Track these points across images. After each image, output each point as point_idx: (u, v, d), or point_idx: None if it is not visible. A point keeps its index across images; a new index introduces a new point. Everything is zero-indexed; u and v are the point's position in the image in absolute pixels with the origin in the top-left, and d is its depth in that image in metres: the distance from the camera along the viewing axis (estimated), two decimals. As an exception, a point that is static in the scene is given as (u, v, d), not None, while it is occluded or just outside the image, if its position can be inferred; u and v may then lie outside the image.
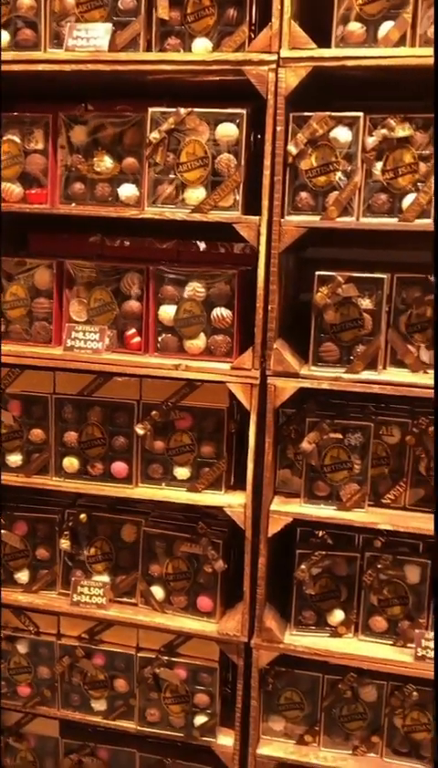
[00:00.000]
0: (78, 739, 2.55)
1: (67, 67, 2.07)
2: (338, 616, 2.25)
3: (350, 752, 2.30)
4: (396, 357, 2.11)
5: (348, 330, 2.06)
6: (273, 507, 2.17)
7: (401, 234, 2.06)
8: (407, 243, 2.36)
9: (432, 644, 2.14)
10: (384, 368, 2.12)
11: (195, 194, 2.07)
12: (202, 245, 2.35)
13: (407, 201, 1.96)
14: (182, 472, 2.27)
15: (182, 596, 2.33)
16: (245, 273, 2.15)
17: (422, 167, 1.95)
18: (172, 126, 2.05)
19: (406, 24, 1.88)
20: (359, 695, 2.27)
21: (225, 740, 2.35)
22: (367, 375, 2.06)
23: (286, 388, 2.09)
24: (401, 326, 2.11)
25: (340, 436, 2.15)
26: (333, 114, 1.96)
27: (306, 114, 1.97)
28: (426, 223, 1.95)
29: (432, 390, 2.01)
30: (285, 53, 1.92)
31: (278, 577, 2.34)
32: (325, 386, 2.08)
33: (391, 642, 2.22)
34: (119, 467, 2.28)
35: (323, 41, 1.95)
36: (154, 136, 2.06)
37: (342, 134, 1.97)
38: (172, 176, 2.08)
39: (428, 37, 1.89)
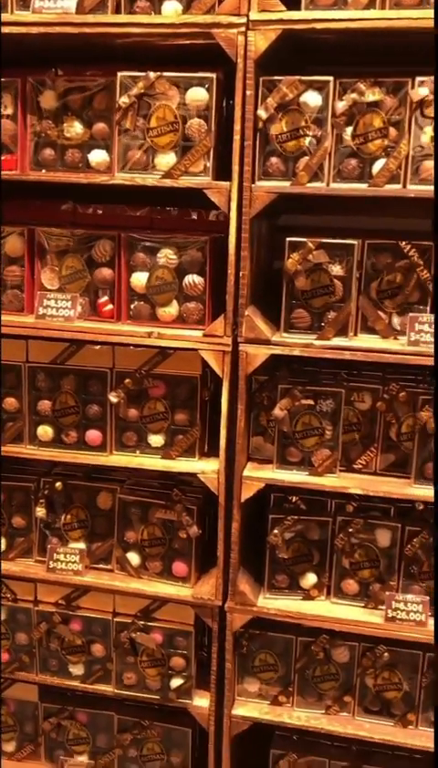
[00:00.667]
0: (57, 703, 2.59)
1: (34, 30, 2.04)
2: (310, 579, 2.28)
3: (323, 711, 2.35)
4: (367, 323, 2.13)
5: (318, 297, 2.07)
6: (246, 473, 2.20)
7: (375, 201, 2.07)
8: (381, 210, 2.38)
9: (403, 606, 2.18)
10: (355, 334, 2.13)
11: (166, 160, 2.06)
12: (175, 212, 2.33)
13: (377, 166, 1.96)
14: (156, 440, 2.28)
15: (157, 562, 2.36)
16: (218, 240, 2.15)
17: (392, 132, 1.94)
18: (142, 90, 2.03)
19: (376, -15, 1.87)
20: (332, 656, 2.32)
21: (201, 701, 2.40)
22: (338, 341, 2.08)
23: (258, 355, 2.10)
24: (372, 293, 2.12)
25: (312, 402, 2.16)
26: (303, 78, 1.95)
27: (276, 78, 1.96)
28: (396, 188, 1.96)
29: (403, 356, 2.03)
30: (254, 15, 1.91)
31: (253, 542, 2.38)
32: (296, 353, 2.09)
33: (362, 604, 2.26)
34: (93, 435, 2.29)
35: (293, 4, 1.93)
36: (124, 101, 2.04)
37: (312, 98, 1.96)
38: (142, 141, 2.07)
39: (398, 0, 1.88)
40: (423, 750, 2.27)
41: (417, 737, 2.28)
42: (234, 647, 2.32)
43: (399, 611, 2.18)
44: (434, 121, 1.90)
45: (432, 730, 2.29)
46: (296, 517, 2.25)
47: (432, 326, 2.01)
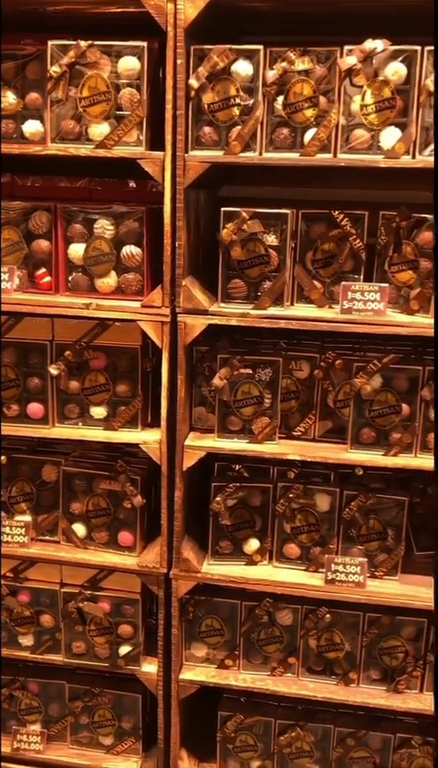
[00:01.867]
0: (8, 674, 2.61)
1: (-38, -3, 2.01)
2: (253, 544, 2.33)
3: (269, 673, 2.42)
4: (303, 293, 2.16)
5: (254, 266, 2.10)
6: (187, 442, 2.23)
7: (318, 172, 2.08)
8: (323, 182, 2.41)
9: (342, 568, 2.24)
10: (292, 303, 2.16)
11: (99, 130, 2.05)
12: (113, 183, 2.33)
13: (308, 135, 1.98)
14: (98, 412, 2.30)
15: (103, 532, 2.39)
16: (155, 210, 2.15)
17: (322, 101, 1.96)
18: (73, 59, 2.01)
19: None
20: (276, 619, 2.38)
21: (149, 667, 2.44)
22: (274, 311, 2.11)
23: (196, 325, 2.12)
24: (307, 262, 2.15)
25: (250, 371, 2.19)
26: (233, 47, 1.96)
27: (206, 47, 1.96)
28: (327, 157, 1.98)
29: (337, 324, 2.07)
30: (182, -17, 1.90)
31: (198, 511, 2.41)
32: (233, 322, 2.11)
33: (303, 568, 2.32)
34: (34, 408, 2.30)
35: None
36: (55, 70, 2.02)
37: (243, 67, 1.96)
38: (75, 111, 2.06)
39: (326, -32, 1.89)
40: (365, 706, 2.35)
41: (359, 694, 2.35)
42: (179, 613, 2.36)
43: (338, 573, 2.24)
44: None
45: (372, 687, 2.37)
46: (237, 484, 2.29)
47: (365, 293, 2.05)
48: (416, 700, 2.32)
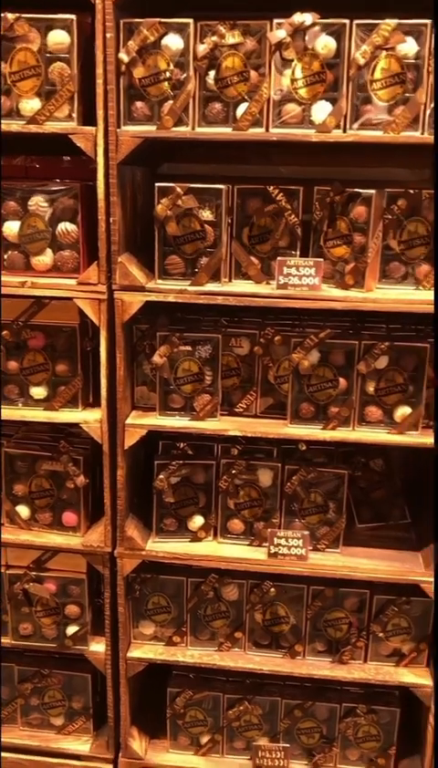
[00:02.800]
0: (-44, 658, 2.60)
1: None
2: (197, 521, 2.34)
3: (216, 648, 2.44)
4: (241, 268, 2.16)
5: (190, 242, 2.09)
6: (128, 421, 2.22)
7: (258, 147, 2.07)
8: (264, 158, 2.41)
9: (284, 541, 2.26)
10: (230, 279, 2.17)
11: (30, 105, 2.02)
12: (50, 160, 2.31)
13: (240, 109, 1.98)
14: (38, 392, 2.29)
15: (47, 513, 2.38)
16: (90, 187, 2.13)
17: (253, 75, 1.96)
18: (1, 33, 1.98)
19: None
20: (222, 595, 2.40)
21: (97, 647, 2.45)
22: (211, 287, 2.11)
23: (133, 302, 2.12)
24: (244, 238, 2.15)
25: (190, 349, 2.20)
26: (163, 20, 1.94)
27: (136, 20, 1.94)
28: (259, 132, 1.98)
29: (273, 299, 2.08)
30: None
31: (143, 489, 2.42)
32: (171, 299, 2.11)
33: (247, 543, 2.34)
34: (-27, 389, 2.28)
35: None
36: (-18, 43, 1.99)
37: (173, 41, 1.95)
38: (5, 86, 2.03)
39: None
40: (311, 678, 2.38)
41: (305, 666, 2.39)
42: (126, 591, 2.37)
43: (281, 547, 2.26)
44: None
45: (317, 659, 2.40)
46: (180, 462, 2.30)
47: (301, 269, 2.06)
48: (360, 670, 2.37)
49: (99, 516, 2.38)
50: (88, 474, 2.35)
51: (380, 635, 2.35)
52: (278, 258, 2.07)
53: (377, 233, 2.06)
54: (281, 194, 2.08)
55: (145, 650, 2.44)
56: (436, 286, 2.03)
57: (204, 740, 2.53)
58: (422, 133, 1.93)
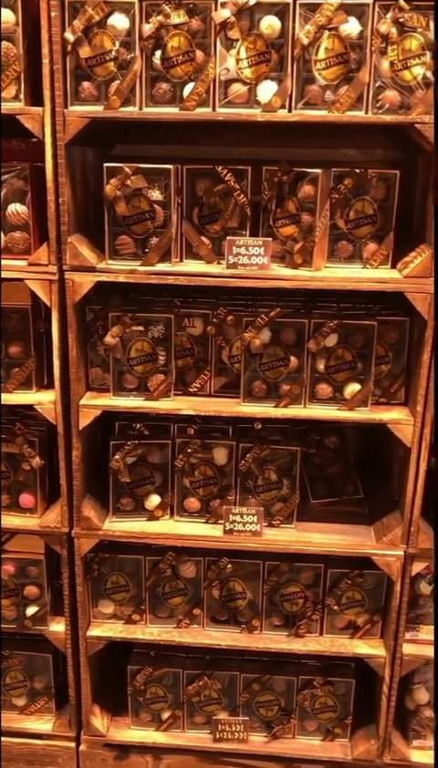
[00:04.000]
0: None
1: None
2: (154, 500, 2.37)
3: (175, 625, 2.47)
4: (192, 249, 2.18)
5: (140, 223, 2.10)
6: (82, 402, 2.24)
7: (205, 128, 2.08)
8: (216, 139, 2.42)
9: (239, 518, 2.30)
10: (181, 260, 2.18)
11: (-24, 85, 2.02)
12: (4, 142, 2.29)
13: (187, 89, 1.98)
14: (-9, 374, 2.29)
15: (3, 495, 2.39)
16: (39, 168, 2.12)
17: (199, 55, 1.97)
18: None
19: None
20: (179, 572, 2.43)
21: (58, 627, 2.47)
22: (162, 267, 2.12)
23: (84, 282, 2.12)
24: (194, 218, 2.17)
25: (142, 329, 2.21)
26: (108, 0, 1.94)
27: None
28: (206, 111, 1.99)
29: (223, 278, 2.10)
30: None
31: (101, 469, 2.43)
32: (121, 279, 2.12)
33: (203, 520, 2.37)
34: None
35: None
36: None
37: (119, 21, 1.95)
38: None
39: None
40: (268, 652, 2.43)
41: (262, 641, 2.43)
42: (84, 571, 2.39)
43: (236, 524, 2.29)
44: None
45: (274, 633, 2.45)
46: (136, 442, 2.32)
47: (250, 248, 2.08)
48: (316, 643, 2.42)
49: (57, 497, 2.39)
50: (45, 456, 2.36)
51: (335, 608, 2.40)
52: (228, 238, 2.09)
53: (324, 212, 2.09)
54: (230, 174, 2.10)
55: (105, 629, 2.47)
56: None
57: (165, 715, 2.57)
58: (367, 113, 1.95)
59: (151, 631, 2.46)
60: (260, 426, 2.30)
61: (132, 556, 2.42)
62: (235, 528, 2.29)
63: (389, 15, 1.90)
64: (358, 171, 2.08)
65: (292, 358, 2.20)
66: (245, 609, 2.45)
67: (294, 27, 1.92)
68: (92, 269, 2.11)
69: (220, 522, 2.32)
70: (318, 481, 2.51)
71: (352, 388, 2.19)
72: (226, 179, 2.10)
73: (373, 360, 2.18)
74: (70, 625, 2.44)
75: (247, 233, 2.15)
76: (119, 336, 2.20)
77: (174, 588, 2.44)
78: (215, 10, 1.93)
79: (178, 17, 1.94)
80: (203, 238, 2.17)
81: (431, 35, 1.91)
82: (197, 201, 2.15)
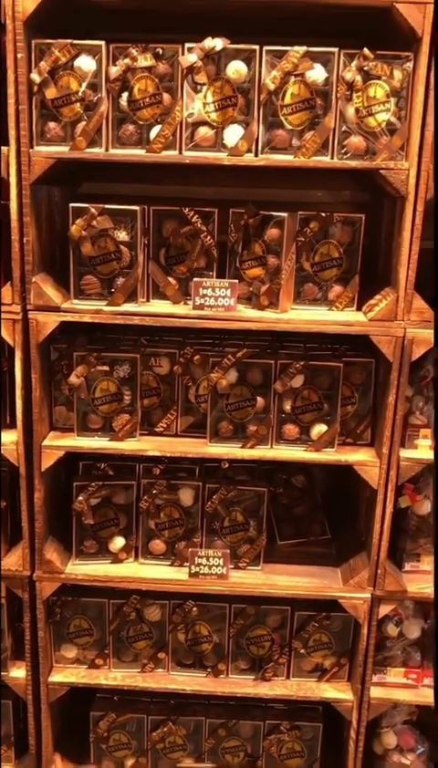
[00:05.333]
0: None
1: None
2: (118, 543, 2.33)
3: (139, 670, 2.42)
4: (158, 289, 2.17)
5: (106, 263, 2.09)
6: (45, 442, 2.20)
7: (170, 168, 2.07)
8: (184, 179, 2.42)
9: (205, 561, 2.26)
10: (147, 300, 2.17)
11: None
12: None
13: (153, 132, 1.98)
14: None
15: (-37, 538, 2.33)
16: (4, 206, 2.10)
17: (166, 98, 1.97)
18: None
19: None
20: (144, 616, 2.38)
21: (18, 672, 2.40)
22: (128, 307, 2.10)
23: (48, 322, 2.10)
24: (161, 258, 2.16)
25: (107, 368, 2.19)
26: (75, 42, 1.94)
27: (47, 41, 1.94)
28: (173, 154, 1.99)
29: (189, 320, 2.09)
30: (18, -26, 1.87)
31: (64, 510, 2.38)
32: (87, 319, 2.10)
33: (169, 563, 2.33)
34: None
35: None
36: None
37: (86, 63, 1.95)
38: None
39: (164, -35, 1.90)
40: (234, 696, 2.38)
41: (228, 685, 2.39)
42: (46, 615, 2.33)
43: (202, 566, 2.26)
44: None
45: (240, 677, 2.41)
46: (100, 483, 2.28)
47: (216, 290, 2.07)
48: (283, 687, 2.38)
49: (18, 539, 2.33)
50: (7, 497, 2.31)
51: (302, 651, 2.37)
52: (194, 279, 2.08)
53: (290, 254, 2.09)
54: (197, 216, 2.10)
55: (67, 674, 2.41)
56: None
57: (129, 763, 2.50)
58: (332, 158, 1.97)
59: (114, 676, 2.40)
60: (227, 465, 2.28)
61: (96, 600, 2.37)
62: (201, 571, 2.26)
63: (354, 64, 1.93)
64: (323, 214, 2.09)
65: (259, 399, 2.18)
66: (211, 653, 2.40)
67: (260, 73, 1.94)
68: (57, 309, 2.09)
69: (185, 564, 2.29)
70: (285, 521, 2.49)
71: (319, 429, 2.18)
72: (193, 220, 2.10)
73: (339, 401, 2.18)
74: (31, 670, 2.37)
75: (214, 273, 2.15)
76: (84, 375, 2.17)
77: (139, 632, 2.39)
78: (182, 54, 1.94)
79: (145, 61, 1.95)
80: (170, 278, 2.16)
81: (395, 83, 1.94)
82: (164, 241, 2.15)
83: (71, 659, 2.43)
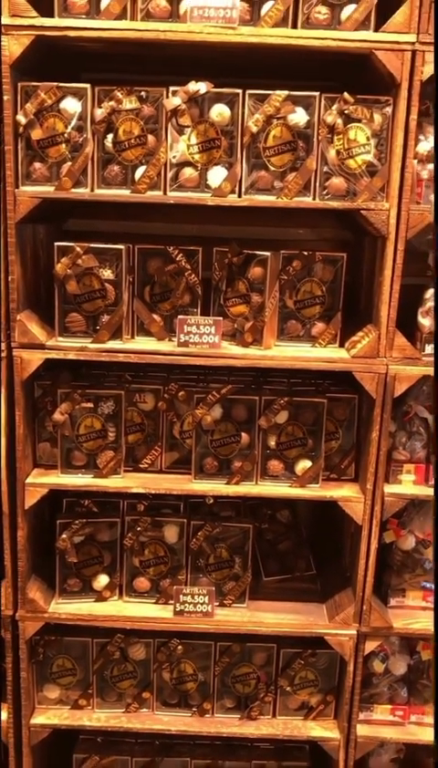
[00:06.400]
0: None
1: None
2: (102, 580, 2.31)
3: (123, 710, 2.38)
4: (143, 326, 2.18)
5: (90, 301, 2.10)
6: (28, 480, 2.18)
7: (154, 207, 2.10)
8: (163, 216, 2.44)
9: (190, 598, 2.25)
10: (132, 337, 2.18)
11: None
12: None
13: (139, 172, 2.01)
14: None
15: None
16: (-12, 245, 2.12)
17: (151, 139, 2.00)
18: None
19: (126, -3, 1.92)
20: (128, 655, 2.35)
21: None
22: (113, 344, 2.11)
23: (33, 360, 2.10)
24: (146, 296, 2.17)
25: (92, 405, 2.19)
26: (61, 85, 1.97)
27: (33, 84, 1.96)
28: (157, 195, 2.01)
29: (174, 356, 2.10)
30: (5, 20, 1.89)
31: (48, 548, 2.36)
32: (71, 356, 2.10)
33: (153, 601, 2.31)
34: None
35: (50, 11, 1.94)
36: None
37: (71, 105, 1.98)
38: None
39: (148, 11, 1.94)
40: (219, 736, 2.35)
41: (214, 725, 2.36)
42: (29, 655, 2.29)
43: (187, 604, 2.24)
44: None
45: (226, 716, 2.38)
46: (84, 520, 2.26)
47: (201, 327, 2.09)
48: (269, 726, 2.35)
49: (1, 578, 2.30)
50: (-10, 535, 2.28)
51: (288, 689, 2.35)
52: (179, 317, 2.09)
53: (273, 292, 2.11)
54: (181, 254, 2.12)
55: (49, 716, 2.36)
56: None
57: (113, 806, 2.45)
58: (314, 199, 2.00)
59: (98, 717, 2.37)
60: (212, 501, 2.28)
61: (80, 639, 2.34)
62: (186, 609, 2.24)
63: (334, 107, 1.97)
64: (306, 253, 2.12)
65: (243, 435, 2.19)
66: (197, 692, 2.37)
67: (243, 116, 1.97)
68: (41, 346, 2.09)
69: (170, 602, 2.27)
70: (271, 557, 2.48)
71: (303, 464, 2.19)
72: (178, 259, 2.12)
73: (323, 437, 2.19)
74: (13, 712, 2.33)
75: (198, 310, 2.16)
76: (68, 412, 2.17)
77: (123, 671, 2.36)
78: (167, 97, 1.97)
79: (130, 103, 1.98)
80: (155, 316, 2.17)
81: (375, 126, 1.98)
82: (149, 279, 2.16)
83: (54, 700, 2.39)
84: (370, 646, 2.25)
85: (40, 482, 2.18)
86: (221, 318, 2.10)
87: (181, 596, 2.24)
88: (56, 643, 2.34)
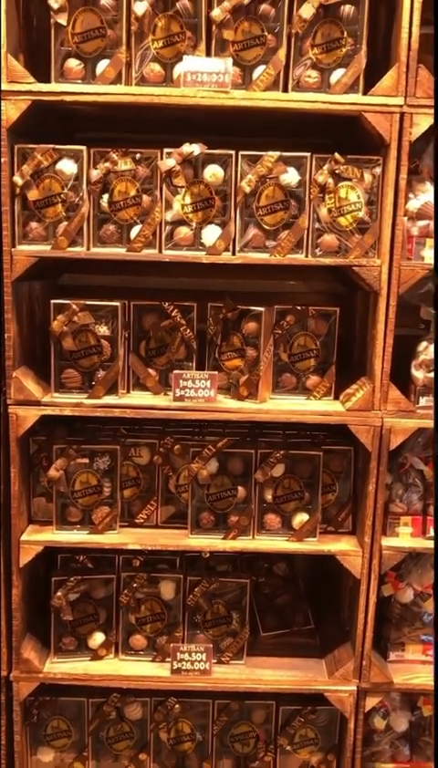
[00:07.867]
0: None
1: None
2: (98, 639, 2.27)
3: (120, 772, 2.33)
4: (139, 380, 2.19)
5: (86, 357, 2.11)
6: (23, 537, 2.16)
7: (148, 263, 2.13)
8: (165, 271, 2.47)
9: (187, 656, 2.21)
10: (128, 391, 2.18)
11: None
12: None
13: (134, 232, 2.04)
14: None
15: None
16: (-16, 302, 2.13)
17: (145, 199, 2.03)
18: None
19: (121, 63, 1.96)
20: (125, 714, 2.30)
21: (-8, 780, 2.29)
22: (108, 399, 2.11)
23: (28, 416, 2.09)
24: (141, 351, 2.18)
25: (87, 461, 2.18)
26: (57, 147, 2.01)
27: (30, 146, 2.00)
28: (153, 253, 2.04)
29: (170, 411, 2.10)
30: (4, 86, 1.94)
31: (42, 605, 2.32)
32: (67, 412, 2.10)
33: (150, 659, 2.27)
34: None
35: (47, 76, 1.99)
36: None
37: (67, 166, 2.01)
38: None
39: (143, 76, 1.99)
40: (219, 798, 2.30)
41: (212, 787, 2.30)
42: (23, 717, 2.24)
43: (184, 662, 2.21)
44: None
45: (225, 777, 2.33)
46: (79, 577, 2.24)
47: (196, 381, 2.10)
48: (269, 787, 2.30)
49: (-5, 637, 2.27)
50: (-17, 592, 2.25)
51: (288, 747, 2.31)
52: (174, 372, 2.10)
53: (268, 346, 2.13)
54: (176, 310, 2.14)
55: (44, 781, 2.30)
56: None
57: None
58: (306, 256, 2.03)
59: (93, 781, 2.31)
60: (208, 554, 2.26)
61: (75, 699, 2.29)
62: (183, 667, 2.20)
63: (325, 167, 2.01)
64: (299, 308, 2.15)
65: (240, 489, 2.18)
66: (194, 752, 2.32)
67: (237, 176, 2.01)
68: (37, 403, 2.09)
69: (167, 660, 2.23)
70: (268, 611, 2.45)
71: (300, 518, 2.18)
72: (173, 314, 2.14)
73: (320, 489, 2.18)
74: (6, 778, 2.27)
75: (194, 364, 2.17)
76: (64, 468, 2.16)
77: (119, 732, 2.31)
78: (161, 159, 2.01)
79: (125, 164, 2.02)
80: (150, 370, 2.18)
81: (365, 184, 2.02)
82: (144, 334, 2.18)
83: (48, 764, 2.33)
84: (371, 702, 2.22)
85: (35, 539, 2.16)
86: (216, 372, 2.12)
87: (178, 653, 2.20)
88: (50, 704, 2.29)
